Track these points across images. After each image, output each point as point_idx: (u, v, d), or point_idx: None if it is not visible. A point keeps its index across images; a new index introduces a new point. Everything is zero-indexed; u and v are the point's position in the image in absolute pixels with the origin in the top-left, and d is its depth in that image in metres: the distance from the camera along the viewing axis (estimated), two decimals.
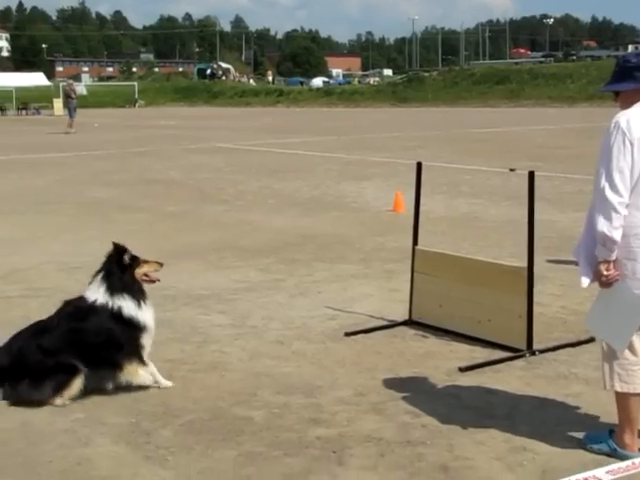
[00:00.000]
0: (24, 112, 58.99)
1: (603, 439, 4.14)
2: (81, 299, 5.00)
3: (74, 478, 4.03)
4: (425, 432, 4.45)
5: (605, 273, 3.91)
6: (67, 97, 35.57)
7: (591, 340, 5.58)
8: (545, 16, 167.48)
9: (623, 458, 3.98)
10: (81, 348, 4.85)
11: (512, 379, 5.23)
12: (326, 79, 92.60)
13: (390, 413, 4.71)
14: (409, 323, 6.45)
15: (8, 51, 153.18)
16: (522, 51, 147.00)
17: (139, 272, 5.05)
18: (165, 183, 16.25)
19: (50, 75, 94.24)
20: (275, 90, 76.38)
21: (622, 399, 4.03)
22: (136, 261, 5.06)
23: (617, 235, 3.84)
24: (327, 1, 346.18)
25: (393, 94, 64.88)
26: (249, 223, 11.40)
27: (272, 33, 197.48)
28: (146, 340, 5.00)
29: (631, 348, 3.97)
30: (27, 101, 60.69)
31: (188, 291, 7.60)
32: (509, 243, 9.28)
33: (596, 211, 3.90)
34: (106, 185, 15.98)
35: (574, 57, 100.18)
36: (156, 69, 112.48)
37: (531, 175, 5.61)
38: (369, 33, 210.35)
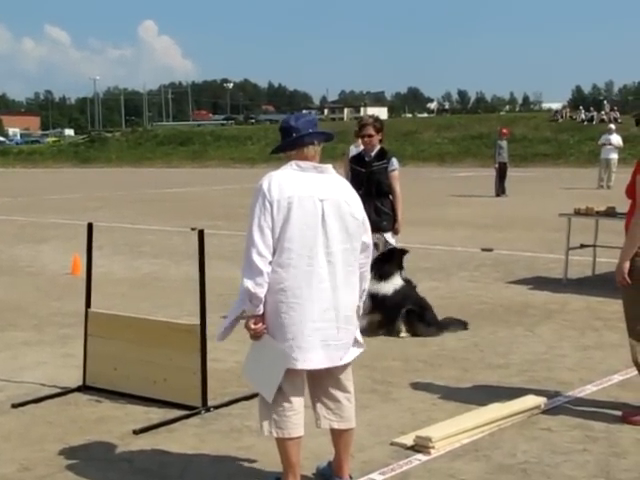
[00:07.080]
0: None
1: None
2: None
3: None
4: None
5: (253, 327, 4.07)
6: None
7: None
8: (225, 80, 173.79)
9: None
10: None
11: (187, 437, 5.22)
12: (2, 139, 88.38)
13: None
14: (83, 389, 6.23)
15: None
16: (204, 113, 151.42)
17: None
18: None
19: None
20: None
21: (281, 445, 4.17)
22: None
23: (260, 292, 4.01)
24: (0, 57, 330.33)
25: (75, 154, 63.45)
26: None
27: None
28: None
29: (284, 396, 4.14)
30: None
31: None
32: (189, 301, 9.32)
33: (242, 269, 4.06)
34: None
35: (253, 120, 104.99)
36: None
37: (200, 233, 5.74)
38: (48, 92, 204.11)
